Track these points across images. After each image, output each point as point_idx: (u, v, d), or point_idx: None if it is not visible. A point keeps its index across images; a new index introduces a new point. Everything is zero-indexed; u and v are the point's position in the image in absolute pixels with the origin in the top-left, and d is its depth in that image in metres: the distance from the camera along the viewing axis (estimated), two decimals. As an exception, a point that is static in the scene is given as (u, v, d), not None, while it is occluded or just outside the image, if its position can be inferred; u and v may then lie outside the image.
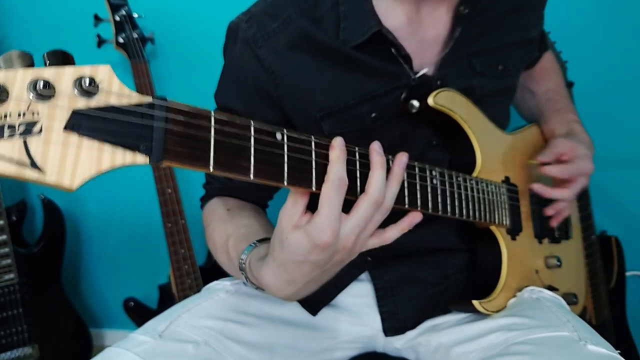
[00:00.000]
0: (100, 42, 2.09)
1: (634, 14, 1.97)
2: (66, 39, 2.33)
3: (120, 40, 2.08)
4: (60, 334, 2.26)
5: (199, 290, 1.21)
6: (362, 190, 0.80)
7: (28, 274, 2.14)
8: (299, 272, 0.80)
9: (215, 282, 1.20)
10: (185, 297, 1.20)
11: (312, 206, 0.77)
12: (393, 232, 0.86)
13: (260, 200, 1.23)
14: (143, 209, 2.39)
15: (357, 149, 0.81)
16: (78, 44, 2.26)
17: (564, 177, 1.20)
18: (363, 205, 0.78)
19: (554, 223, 1.27)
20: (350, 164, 0.79)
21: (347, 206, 0.78)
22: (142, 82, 2.06)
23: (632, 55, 2.01)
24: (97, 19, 2.08)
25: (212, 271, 2.23)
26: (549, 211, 1.25)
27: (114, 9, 2.08)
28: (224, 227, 1.08)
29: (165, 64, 2.33)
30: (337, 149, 0.76)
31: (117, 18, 2.09)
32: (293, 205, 0.77)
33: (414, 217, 0.88)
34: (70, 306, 2.29)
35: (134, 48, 2.09)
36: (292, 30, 1.06)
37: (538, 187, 1.20)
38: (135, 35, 2.10)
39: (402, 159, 0.84)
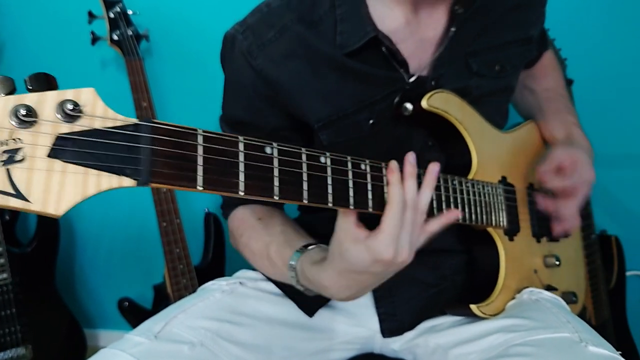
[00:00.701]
0: (95, 39, 2.09)
1: (634, 11, 1.98)
2: (60, 36, 2.33)
3: (115, 37, 2.08)
4: (54, 335, 2.26)
5: (194, 291, 1.21)
6: (376, 204, 0.85)
7: (21, 274, 2.14)
8: (358, 280, 0.87)
9: (210, 282, 1.21)
10: (181, 297, 1.20)
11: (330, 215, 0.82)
12: (434, 225, 0.93)
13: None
14: (137, 207, 2.39)
15: (367, 161, 0.85)
16: (72, 41, 2.27)
17: (565, 188, 1.21)
18: (408, 215, 0.85)
19: (560, 235, 1.28)
20: (359, 176, 0.83)
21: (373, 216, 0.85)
22: (136, 79, 2.06)
23: (632, 53, 2.01)
24: (92, 15, 2.07)
25: (207, 271, 2.23)
26: (557, 228, 1.25)
27: (109, 5, 2.08)
28: (260, 236, 1.11)
29: (160, 61, 2.32)
30: (396, 172, 0.85)
31: (112, 15, 2.08)
32: (344, 219, 0.84)
33: (452, 214, 0.96)
34: (64, 306, 2.29)
35: (128, 45, 2.09)
36: (289, 38, 1.07)
37: (541, 201, 1.23)
38: (129, 33, 2.10)
39: (434, 168, 0.91)
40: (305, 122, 1.12)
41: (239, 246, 1.17)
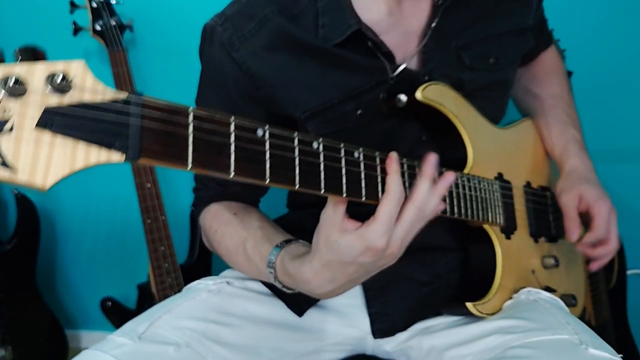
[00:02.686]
0: (77, 29, 2.08)
1: (635, 1, 1.98)
2: (41, 26, 2.32)
3: (97, 27, 2.07)
4: (35, 335, 2.26)
5: (179, 290, 1.21)
6: (369, 193, 0.85)
7: (0, 273, 2.13)
8: (344, 272, 0.86)
9: (197, 282, 1.21)
10: (166, 296, 1.20)
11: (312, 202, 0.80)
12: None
13: (256, 197, 1.26)
14: (121, 204, 2.39)
15: (361, 149, 0.85)
16: (53, 32, 2.25)
17: (603, 239, 1.24)
18: (410, 211, 0.85)
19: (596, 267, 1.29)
20: (352, 164, 0.83)
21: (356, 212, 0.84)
22: (120, 71, 2.06)
23: (634, 45, 2.01)
24: (73, 5, 2.07)
25: (193, 270, 2.23)
26: (594, 267, 1.27)
27: (91, -6, 2.07)
28: (235, 231, 1.10)
29: (145, 52, 2.32)
30: (395, 163, 0.85)
31: (94, 4, 2.08)
32: (334, 210, 0.84)
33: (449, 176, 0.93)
34: (45, 306, 2.29)
35: (111, 36, 2.08)
36: (270, 30, 1.07)
37: (585, 251, 1.26)
38: (113, 23, 2.09)
39: (449, 177, 0.91)
40: (287, 118, 1.12)
41: (213, 243, 1.17)
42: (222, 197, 1.20)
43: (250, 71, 1.08)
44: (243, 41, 1.07)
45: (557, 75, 1.50)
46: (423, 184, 0.86)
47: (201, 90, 1.19)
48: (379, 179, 0.86)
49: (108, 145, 0.56)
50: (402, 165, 0.91)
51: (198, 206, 1.24)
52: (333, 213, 0.83)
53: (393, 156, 0.85)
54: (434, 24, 1.10)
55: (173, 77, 2.31)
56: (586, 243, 1.23)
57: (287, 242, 0.99)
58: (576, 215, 1.24)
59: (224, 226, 1.14)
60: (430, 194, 0.87)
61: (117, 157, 0.57)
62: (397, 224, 0.84)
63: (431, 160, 0.87)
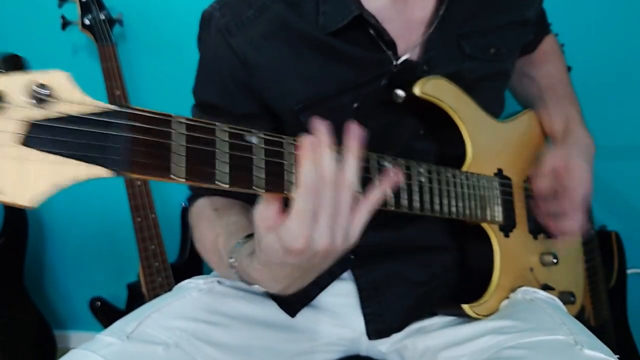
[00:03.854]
0: (65, 23, 2.07)
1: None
2: (28, 20, 2.30)
3: (87, 21, 2.06)
4: (23, 336, 2.25)
5: (170, 289, 1.21)
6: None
7: (-13, 272, 2.13)
8: (281, 272, 0.81)
9: (187, 281, 1.20)
10: (156, 296, 1.20)
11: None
12: (365, 205, 0.79)
13: (250, 196, 1.21)
14: (111, 202, 2.38)
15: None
16: (41, 26, 2.25)
17: (555, 190, 1.22)
18: (328, 195, 0.74)
19: (557, 234, 1.27)
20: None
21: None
22: (109, 66, 2.05)
23: (634, 39, 2.01)
24: (62, -1, 2.06)
25: (184, 269, 2.23)
26: (553, 226, 1.25)
27: (80, -12, 2.06)
28: (212, 227, 1.08)
29: (135, 47, 2.31)
30: (307, 149, 0.73)
31: (83, -2, 2.06)
32: (266, 205, 0.76)
33: (392, 178, 0.82)
34: (33, 306, 2.28)
35: (101, 30, 2.07)
36: (269, 17, 1.07)
37: (534, 203, 1.25)
38: (102, 17, 2.08)
39: (353, 130, 0.77)
40: (280, 109, 1.11)
41: (194, 241, 1.15)
42: (212, 191, 1.18)
43: (246, 59, 1.07)
44: (241, 28, 1.07)
45: (554, 58, 1.50)
46: (322, 156, 0.74)
47: (199, 80, 1.19)
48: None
49: (96, 161, 0.56)
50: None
51: (189, 201, 1.23)
52: (265, 209, 0.76)
53: (304, 143, 0.73)
54: (441, 12, 1.10)
55: (164, 72, 2.30)
56: (550, 212, 1.22)
57: (249, 236, 0.94)
58: (547, 172, 1.22)
59: (204, 222, 1.12)
60: (328, 161, 0.74)
61: (106, 173, 0.57)
62: (319, 215, 0.74)
63: (317, 126, 0.75)
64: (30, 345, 2.28)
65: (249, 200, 1.18)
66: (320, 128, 0.75)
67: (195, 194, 1.21)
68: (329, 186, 0.74)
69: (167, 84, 2.30)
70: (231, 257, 0.94)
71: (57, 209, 2.51)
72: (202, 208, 1.16)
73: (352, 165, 0.76)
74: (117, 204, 2.22)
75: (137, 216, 2.06)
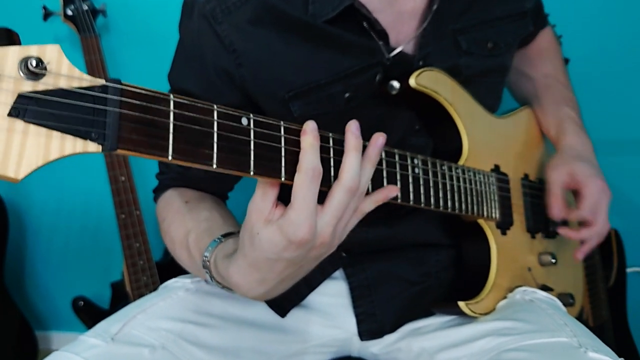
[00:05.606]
0: (47, 14, 2.06)
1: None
2: (8, 10, 2.28)
3: (69, 12, 2.05)
4: (3, 337, 2.24)
5: (155, 289, 1.20)
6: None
7: (-35, 271, 2.12)
8: (272, 270, 0.80)
9: (173, 280, 1.19)
10: (141, 295, 1.19)
11: (285, 197, 0.76)
12: (368, 204, 0.83)
13: (219, 191, 1.22)
14: (94, 198, 2.38)
15: (330, 135, 0.79)
16: (22, 17, 2.23)
17: (585, 218, 1.23)
18: (338, 194, 0.77)
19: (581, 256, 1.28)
20: (324, 151, 0.77)
21: (321, 196, 0.77)
22: (92, 58, 2.04)
23: (633, 31, 2.01)
24: (44, -12, 2.05)
25: (170, 267, 2.21)
26: (579, 255, 1.26)
27: (62, -23, 2.05)
28: (182, 221, 1.07)
29: (118, 39, 2.30)
30: (310, 134, 0.75)
31: (66, -13, 2.05)
32: (262, 197, 0.76)
33: (390, 191, 0.86)
34: (13, 306, 2.27)
35: (83, 21, 2.06)
36: (256, 3, 1.05)
37: (564, 232, 1.26)
38: (85, 7, 2.07)
39: (378, 140, 0.81)
40: (269, 98, 1.10)
41: (162, 233, 1.13)
42: (181, 182, 1.17)
43: (233, 46, 1.06)
44: (227, 14, 1.05)
45: (551, 55, 1.51)
46: (349, 159, 0.77)
47: (175, 65, 1.17)
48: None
49: (84, 135, 0.56)
50: (393, 155, 0.89)
51: (157, 192, 1.22)
52: (261, 201, 0.76)
53: (307, 128, 0.75)
54: (435, 6, 1.09)
55: (148, 64, 2.28)
56: (572, 221, 1.24)
57: (227, 235, 0.94)
58: (559, 192, 1.24)
59: (172, 214, 1.11)
60: (359, 167, 0.78)
61: (93, 147, 0.57)
62: (323, 209, 0.76)
63: (351, 128, 0.78)
64: (11, 347, 2.27)
65: (220, 194, 1.18)
66: (352, 128, 0.78)
67: (163, 185, 1.20)
68: (343, 189, 0.76)
69: (151, 76, 2.27)
70: (204, 257, 0.93)
71: (38, 205, 2.50)
72: (171, 199, 1.15)
73: (368, 177, 0.80)
74: (101, 201, 2.22)
75: (121, 213, 2.05)
